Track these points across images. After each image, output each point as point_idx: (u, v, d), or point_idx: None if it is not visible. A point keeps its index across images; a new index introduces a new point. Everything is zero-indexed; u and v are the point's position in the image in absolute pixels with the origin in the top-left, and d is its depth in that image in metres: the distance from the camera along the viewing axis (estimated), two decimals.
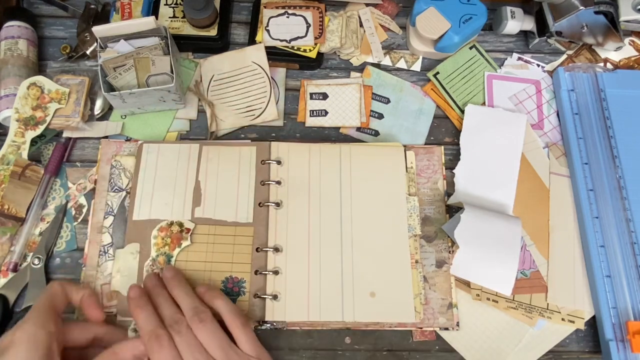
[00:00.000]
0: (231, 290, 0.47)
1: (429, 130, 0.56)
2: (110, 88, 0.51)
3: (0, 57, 0.53)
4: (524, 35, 0.61)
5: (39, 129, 0.51)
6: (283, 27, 0.57)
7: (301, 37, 0.57)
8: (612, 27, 0.56)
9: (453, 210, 0.53)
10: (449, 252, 0.51)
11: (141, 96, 0.51)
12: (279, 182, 0.51)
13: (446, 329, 0.48)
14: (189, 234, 0.49)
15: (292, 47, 0.57)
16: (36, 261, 0.49)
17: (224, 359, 0.39)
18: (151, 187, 0.50)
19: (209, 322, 0.40)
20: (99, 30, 0.50)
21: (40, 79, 0.52)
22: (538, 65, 0.60)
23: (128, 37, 0.51)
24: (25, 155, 0.51)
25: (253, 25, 0.58)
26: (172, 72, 0.51)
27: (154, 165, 0.51)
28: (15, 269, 0.48)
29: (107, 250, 0.49)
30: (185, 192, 0.50)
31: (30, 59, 0.54)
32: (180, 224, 0.49)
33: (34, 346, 0.37)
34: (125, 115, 0.55)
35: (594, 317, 0.49)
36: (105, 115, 0.55)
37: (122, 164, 0.52)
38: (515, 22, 0.57)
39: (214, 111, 0.55)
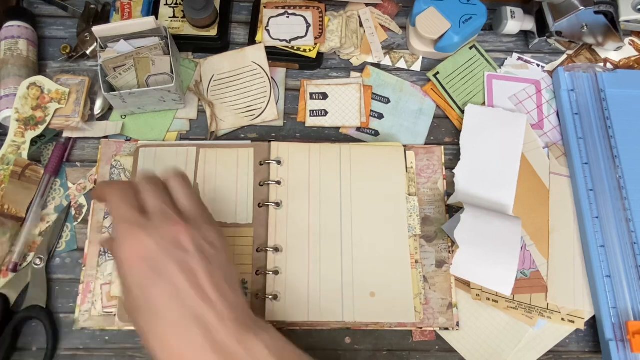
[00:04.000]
0: None
1: (429, 130, 0.56)
2: (110, 88, 0.51)
3: (0, 57, 0.53)
4: (524, 35, 0.61)
5: (39, 129, 0.51)
6: (283, 27, 0.57)
7: (301, 37, 0.57)
8: (612, 27, 0.56)
9: (453, 210, 0.53)
10: (449, 252, 0.51)
11: (141, 96, 0.51)
12: (279, 182, 0.51)
13: (446, 329, 0.48)
14: None
15: (292, 47, 0.57)
16: (38, 261, 0.49)
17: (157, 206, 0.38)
18: None
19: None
20: (99, 30, 0.50)
21: (40, 79, 0.52)
22: (538, 65, 0.60)
23: (128, 37, 0.51)
24: (25, 155, 0.51)
25: (253, 25, 0.58)
26: (172, 72, 0.51)
27: (151, 169, 0.51)
28: (15, 269, 0.48)
29: (107, 251, 0.49)
30: None
31: (30, 59, 0.54)
32: None
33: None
34: (125, 115, 0.55)
35: (594, 317, 0.49)
36: (105, 115, 0.55)
37: (122, 164, 0.52)
38: (515, 22, 0.57)
39: (214, 111, 0.55)
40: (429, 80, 0.58)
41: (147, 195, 0.38)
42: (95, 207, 0.51)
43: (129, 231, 0.36)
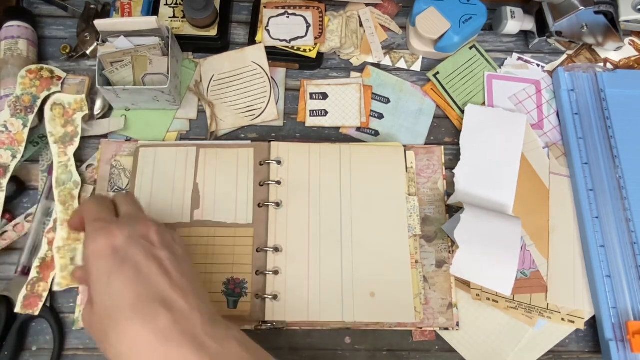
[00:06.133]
0: (233, 291, 0.47)
1: (429, 130, 0.56)
2: (107, 82, 0.51)
3: (0, 57, 0.53)
4: (524, 35, 0.61)
5: (76, 142, 0.51)
6: (283, 27, 0.57)
7: (301, 37, 0.57)
8: (612, 27, 0.56)
9: (453, 210, 0.53)
10: (449, 252, 0.51)
11: (134, 93, 0.51)
12: (279, 182, 0.51)
13: (446, 329, 0.48)
14: (60, 81, 0.52)
15: (292, 47, 0.57)
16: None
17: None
18: (149, 191, 0.50)
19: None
20: (101, 24, 0.50)
21: (58, 96, 0.52)
22: (538, 65, 0.60)
23: (129, 34, 0.51)
24: (74, 170, 0.51)
25: (253, 25, 0.58)
26: (168, 73, 0.51)
27: (151, 169, 0.51)
28: (24, 272, 0.48)
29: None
30: (184, 195, 0.50)
31: (30, 59, 0.54)
32: (51, 70, 0.53)
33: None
34: (128, 109, 0.55)
35: (594, 317, 0.49)
36: (106, 115, 0.55)
37: (122, 164, 0.52)
38: (515, 22, 0.57)
39: (214, 111, 0.55)
40: (429, 80, 0.58)
41: (120, 202, 0.40)
42: None
43: (102, 227, 0.36)
